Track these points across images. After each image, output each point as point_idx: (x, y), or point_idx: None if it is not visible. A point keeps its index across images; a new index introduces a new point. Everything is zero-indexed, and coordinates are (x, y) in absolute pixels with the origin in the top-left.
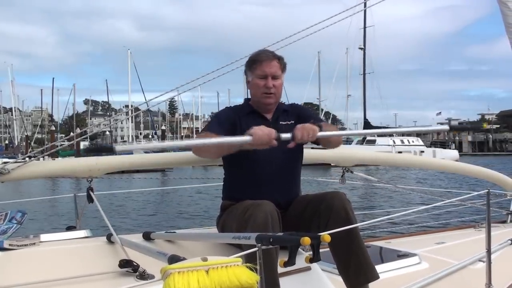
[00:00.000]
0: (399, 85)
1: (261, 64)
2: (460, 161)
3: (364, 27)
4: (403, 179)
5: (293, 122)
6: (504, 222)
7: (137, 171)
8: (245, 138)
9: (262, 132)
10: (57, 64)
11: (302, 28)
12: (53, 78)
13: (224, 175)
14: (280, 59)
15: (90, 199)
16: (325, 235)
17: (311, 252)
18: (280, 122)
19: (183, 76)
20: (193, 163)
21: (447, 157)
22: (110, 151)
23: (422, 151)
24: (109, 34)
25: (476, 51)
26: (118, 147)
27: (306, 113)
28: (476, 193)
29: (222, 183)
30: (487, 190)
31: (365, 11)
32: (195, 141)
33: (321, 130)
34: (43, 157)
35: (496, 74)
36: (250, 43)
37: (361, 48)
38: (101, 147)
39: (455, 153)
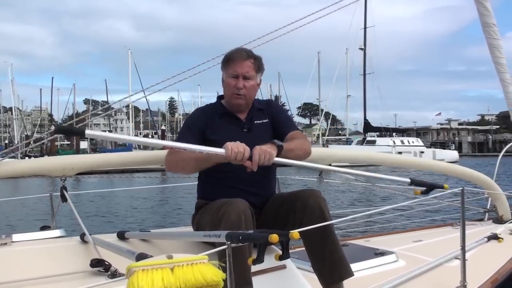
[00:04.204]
0: (398, 86)
1: (234, 63)
2: (460, 161)
3: (365, 28)
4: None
5: (267, 120)
6: (482, 220)
7: (137, 171)
8: (219, 150)
9: (237, 150)
10: (56, 64)
11: (291, 22)
12: (52, 78)
13: (198, 174)
14: (255, 59)
15: (63, 199)
16: (294, 233)
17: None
18: (255, 122)
19: (184, 75)
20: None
21: (447, 157)
22: (81, 134)
23: (422, 152)
24: (108, 34)
25: (474, 52)
26: (88, 131)
27: (281, 117)
28: (451, 190)
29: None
30: (461, 188)
31: (365, 11)
32: (169, 143)
33: (281, 149)
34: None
35: (494, 75)
36: (250, 44)
37: (361, 49)
38: (72, 130)
39: (454, 153)
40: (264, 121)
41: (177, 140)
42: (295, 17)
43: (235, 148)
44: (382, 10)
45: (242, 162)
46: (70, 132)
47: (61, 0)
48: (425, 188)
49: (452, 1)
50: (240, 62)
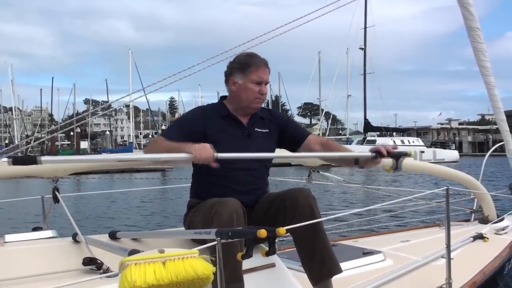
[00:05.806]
0: (398, 86)
1: (257, 70)
2: (460, 161)
3: (365, 28)
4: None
5: (268, 131)
6: (468, 220)
7: (137, 171)
8: (185, 155)
9: (203, 154)
10: (56, 64)
11: (290, 21)
12: (53, 78)
13: (192, 173)
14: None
15: (56, 200)
16: (281, 229)
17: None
18: (256, 129)
19: (180, 76)
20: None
21: (447, 157)
22: (34, 162)
23: (423, 151)
24: (107, 34)
25: None
26: (43, 158)
27: (292, 125)
28: (436, 190)
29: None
30: (446, 187)
31: (365, 11)
32: (130, 156)
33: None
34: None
35: (494, 75)
36: (248, 43)
37: (361, 48)
38: (25, 158)
39: (455, 153)
40: (264, 130)
41: (164, 134)
42: (294, 17)
43: (199, 155)
44: (382, 10)
45: (209, 163)
46: (22, 162)
47: (60, 0)
48: (394, 163)
49: (451, 1)
50: (264, 69)
